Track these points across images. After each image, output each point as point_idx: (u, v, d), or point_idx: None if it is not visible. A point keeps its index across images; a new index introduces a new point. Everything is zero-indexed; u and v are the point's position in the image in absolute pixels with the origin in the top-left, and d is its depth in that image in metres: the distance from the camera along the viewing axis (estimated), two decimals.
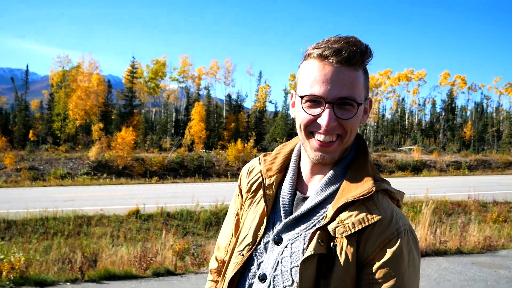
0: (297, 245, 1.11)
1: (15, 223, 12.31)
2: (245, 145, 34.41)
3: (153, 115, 65.89)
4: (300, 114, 1.12)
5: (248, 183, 1.33)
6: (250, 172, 1.35)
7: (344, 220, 1.05)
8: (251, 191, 1.31)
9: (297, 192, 1.21)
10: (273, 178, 1.24)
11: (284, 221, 1.16)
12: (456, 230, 9.25)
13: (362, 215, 1.05)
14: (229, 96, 61.13)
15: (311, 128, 1.11)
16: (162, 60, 57.89)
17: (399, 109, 68.13)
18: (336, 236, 1.04)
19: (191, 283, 5.58)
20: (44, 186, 23.85)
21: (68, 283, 5.49)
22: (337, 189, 1.13)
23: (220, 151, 37.83)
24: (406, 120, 68.01)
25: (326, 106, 1.06)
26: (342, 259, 1.03)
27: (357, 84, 1.07)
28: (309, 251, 1.05)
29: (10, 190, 21.50)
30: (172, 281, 5.60)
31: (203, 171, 32.18)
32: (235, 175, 30.05)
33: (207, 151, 39.51)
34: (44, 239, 11.28)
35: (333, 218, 1.07)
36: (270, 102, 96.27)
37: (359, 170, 1.14)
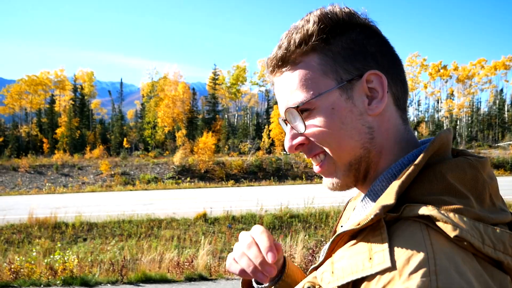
0: None
1: (96, 225, 13.54)
2: None
3: (235, 119, 67.92)
4: None
5: None
6: None
7: (335, 262, 0.67)
8: None
9: None
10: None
11: None
12: None
13: (357, 258, 0.63)
14: None
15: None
16: (242, 66, 59.47)
17: (497, 101, 62.50)
18: (322, 285, 0.68)
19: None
20: (131, 190, 25.77)
21: (108, 284, 5.97)
22: None
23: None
24: (506, 112, 62.07)
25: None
26: None
27: (286, 89, 0.78)
28: None
29: (102, 194, 23.58)
30: (201, 286, 5.82)
31: (282, 174, 32.44)
32: (310, 177, 29.87)
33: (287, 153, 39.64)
34: (119, 241, 12.25)
35: (327, 257, 0.72)
36: None
37: (395, 185, 0.67)
